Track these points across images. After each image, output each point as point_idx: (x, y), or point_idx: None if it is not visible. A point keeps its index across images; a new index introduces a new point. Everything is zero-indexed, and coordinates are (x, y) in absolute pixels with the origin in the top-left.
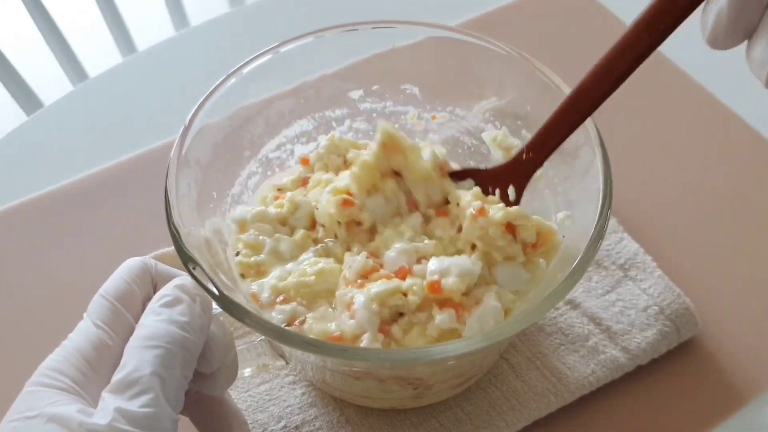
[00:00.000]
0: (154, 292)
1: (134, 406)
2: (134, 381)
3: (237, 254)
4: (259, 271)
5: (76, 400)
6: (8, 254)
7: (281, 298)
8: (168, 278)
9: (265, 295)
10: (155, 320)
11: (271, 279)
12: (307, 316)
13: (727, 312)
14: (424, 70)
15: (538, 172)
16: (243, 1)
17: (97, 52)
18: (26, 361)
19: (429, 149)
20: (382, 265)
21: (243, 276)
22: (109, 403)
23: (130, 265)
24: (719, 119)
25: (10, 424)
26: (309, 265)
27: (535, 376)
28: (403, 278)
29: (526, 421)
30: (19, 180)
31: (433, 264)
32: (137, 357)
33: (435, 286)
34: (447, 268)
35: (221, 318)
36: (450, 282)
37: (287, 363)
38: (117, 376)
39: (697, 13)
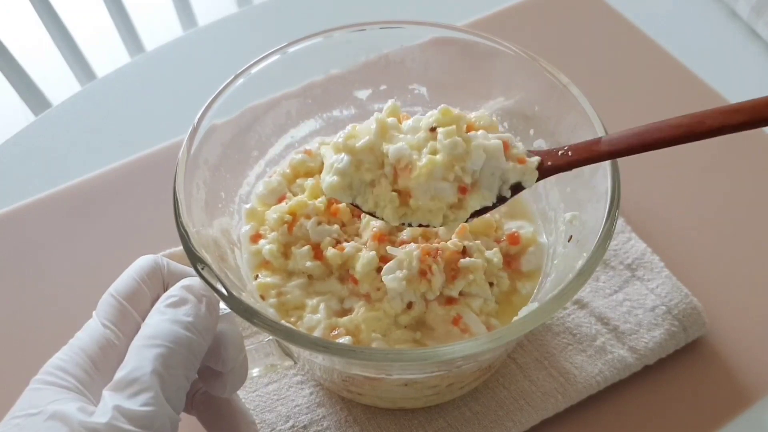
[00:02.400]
0: (165, 291)
1: (133, 404)
2: (134, 380)
3: (256, 277)
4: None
5: (79, 399)
6: (16, 253)
7: (336, 332)
8: (180, 277)
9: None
10: (159, 320)
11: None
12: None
13: (734, 312)
14: (432, 70)
15: None
16: (251, 1)
17: (105, 52)
18: (32, 358)
19: None
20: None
21: (263, 297)
22: (109, 402)
23: (141, 264)
24: None
25: (12, 421)
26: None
27: (543, 376)
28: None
29: (534, 420)
30: (27, 180)
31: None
32: (138, 356)
33: (514, 236)
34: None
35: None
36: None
37: (295, 363)
38: (118, 374)
39: (719, 21)
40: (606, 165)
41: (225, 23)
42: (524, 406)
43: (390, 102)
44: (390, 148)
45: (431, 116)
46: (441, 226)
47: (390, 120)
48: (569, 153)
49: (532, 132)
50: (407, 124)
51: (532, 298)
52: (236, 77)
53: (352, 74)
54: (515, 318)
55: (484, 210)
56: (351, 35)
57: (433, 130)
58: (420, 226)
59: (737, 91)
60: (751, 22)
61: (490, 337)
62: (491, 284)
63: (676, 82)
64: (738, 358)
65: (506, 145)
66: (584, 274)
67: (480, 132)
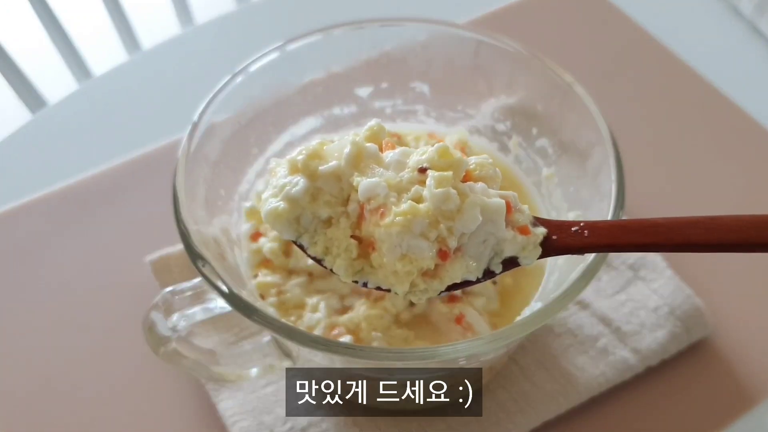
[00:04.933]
0: None
1: None
2: None
3: (255, 276)
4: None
5: None
6: (14, 252)
7: (337, 331)
8: None
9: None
10: None
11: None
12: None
13: (738, 313)
14: (434, 68)
15: (548, 171)
16: None
17: (103, 50)
18: (28, 359)
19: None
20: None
21: (263, 296)
22: None
23: None
24: (730, 118)
25: None
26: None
27: (544, 378)
28: None
29: (535, 422)
30: (24, 179)
31: None
32: None
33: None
34: None
35: None
36: None
37: (294, 363)
38: None
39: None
40: (611, 164)
41: (223, 21)
42: (525, 407)
43: (373, 121)
44: (362, 182)
45: (424, 153)
46: (405, 295)
47: (369, 146)
48: (586, 232)
49: (535, 131)
50: (390, 155)
51: (534, 298)
52: (235, 75)
53: (353, 71)
54: (518, 318)
55: (465, 284)
56: (350, 33)
57: (422, 171)
58: (378, 289)
59: (740, 89)
60: (754, 20)
61: (493, 336)
62: (494, 283)
63: (678, 81)
64: (741, 359)
65: (508, 207)
66: (588, 275)
67: (479, 185)
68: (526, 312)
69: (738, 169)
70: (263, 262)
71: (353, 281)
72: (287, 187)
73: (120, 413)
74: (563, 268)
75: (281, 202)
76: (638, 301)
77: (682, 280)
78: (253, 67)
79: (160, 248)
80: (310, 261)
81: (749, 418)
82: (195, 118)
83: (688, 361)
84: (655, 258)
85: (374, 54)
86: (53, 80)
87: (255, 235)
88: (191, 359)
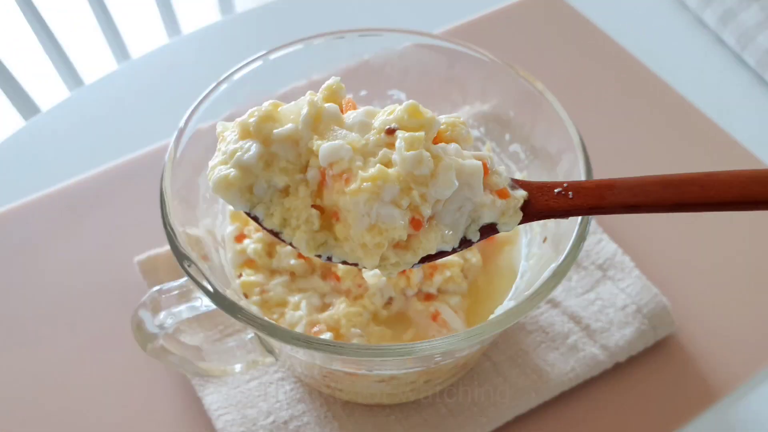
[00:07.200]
0: None
1: None
2: None
3: (239, 276)
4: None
5: None
6: (8, 254)
7: (318, 328)
8: None
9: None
10: None
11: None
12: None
13: (702, 311)
14: (411, 76)
15: (521, 176)
16: (234, 9)
17: (93, 59)
18: (23, 359)
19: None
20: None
21: (246, 295)
22: None
23: None
24: (697, 126)
25: None
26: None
27: (516, 374)
28: None
29: (508, 416)
30: (18, 183)
31: None
32: None
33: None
34: None
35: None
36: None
37: (276, 359)
38: None
39: (687, 30)
40: (580, 168)
41: (209, 31)
42: (498, 402)
43: (332, 79)
44: (323, 146)
45: (391, 113)
46: (374, 269)
47: (329, 106)
48: (570, 194)
49: (507, 137)
50: (353, 116)
51: (508, 296)
52: (220, 83)
53: None
54: (491, 316)
55: (440, 255)
56: (331, 42)
57: (390, 132)
58: (344, 263)
59: (705, 97)
60: (717, 31)
61: (468, 333)
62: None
63: (647, 89)
64: (705, 355)
65: (485, 169)
66: (559, 274)
67: (452, 146)
68: (500, 310)
69: (702, 171)
70: (247, 262)
71: (316, 255)
72: (238, 153)
73: (109, 407)
74: (535, 269)
75: (232, 170)
76: (607, 300)
77: (648, 280)
78: (237, 75)
79: (148, 249)
80: (293, 261)
81: (712, 411)
82: (181, 124)
83: (655, 357)
84: (623, 258)
85: (353, 63)
86: (46, 88)
87: (239, 237)
88: (178, 355)
